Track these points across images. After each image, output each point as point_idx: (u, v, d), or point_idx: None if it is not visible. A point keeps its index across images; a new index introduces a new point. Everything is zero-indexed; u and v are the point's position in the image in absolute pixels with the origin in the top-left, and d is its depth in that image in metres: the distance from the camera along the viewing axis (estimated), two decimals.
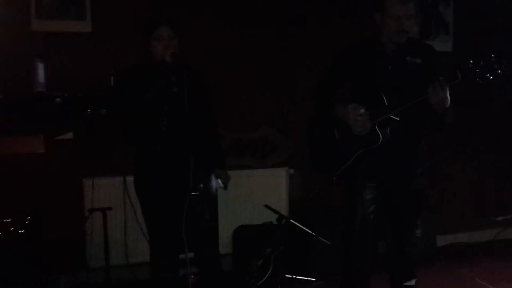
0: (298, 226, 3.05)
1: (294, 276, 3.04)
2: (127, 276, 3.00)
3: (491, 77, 1.99)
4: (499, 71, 1.99)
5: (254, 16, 3.39)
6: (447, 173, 3.89)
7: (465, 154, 3.92)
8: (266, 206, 3.12)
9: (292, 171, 3.48)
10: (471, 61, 2.01)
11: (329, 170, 2.45)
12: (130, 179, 2.52)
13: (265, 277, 2.91)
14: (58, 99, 2.83)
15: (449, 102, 2.10)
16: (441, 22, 3.86)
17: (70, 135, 2.97)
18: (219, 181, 2.57)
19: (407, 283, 2.50)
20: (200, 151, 2.41)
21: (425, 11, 3.80)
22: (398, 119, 2.24)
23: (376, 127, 2.27)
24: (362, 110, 2.26)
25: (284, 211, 3.30)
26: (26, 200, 2.78)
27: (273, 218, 3.10)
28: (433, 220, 3.72)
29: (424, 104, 2.13)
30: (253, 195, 3.32)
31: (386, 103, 2.24)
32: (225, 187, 2.62)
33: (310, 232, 3.03)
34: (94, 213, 2.74)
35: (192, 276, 2.53)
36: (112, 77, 2.92)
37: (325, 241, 3.05)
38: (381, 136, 2.26)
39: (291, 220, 3.05)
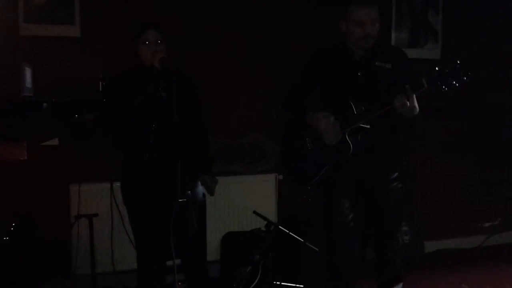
0: (287, 233, 3.04)
1: (282, 283, 3.03)
2: (114, 283, 2.96)
3: (456, 84, 1.98)
4: (465, 78, 1.97)
5: (245, 20, 3.39)
6: (434, 179, 3.92)
7: (453, 161, 3.94)
8: (255, 212, 3.11)
9: (281, 177, 3.48)
10: (436, 68, 2.00)
11: (303, 181, 2.45)
12: (117, 185, 2.50)
13: (253, 284, 2.89)
14: (45, 104, 2.82)
15: (417, 110, 2.09)
16: (430, 30, 3.89)
17: (55, 141, 2.94)
18: (203, 187, 2.56)
19: None
20: (188, 156, 2.40)
21: (414, 19, 3.83)
22: (368, 127, 2.22)
23: (346, 136, 2.25)
24: (332, 118, 2.25)
25: (273, 217, 3.29)
26: (12, 206, 2.75)
27: (261, 224, 3.09)
28: (421, 226, 3.76)
29: (393, 111, 2.11)
30: (242, 201, 3.31)
31: (355, 112, 2.22)
32: (211, 193, 2.60)
33: (299, 238, 3.02)
34: (81, 219, 2.72)
35: (179, 283, 2.52)
36: (100, 82, 2.91)
37: (314, 247, 3.05)
38: (351, 145, 2.25)
39: (280, 227, 3.04)
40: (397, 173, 2.40)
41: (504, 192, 4.08)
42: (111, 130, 2.47)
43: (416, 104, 2.07)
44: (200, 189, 2.57)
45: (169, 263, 2.30)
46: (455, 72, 1.97)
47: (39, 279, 2.84)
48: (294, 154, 2.49)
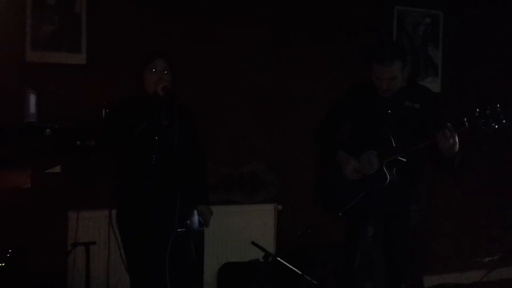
0: (285, 265, 3.02)
1: None
2: None
3: (496, 126, 2.08)
4: (504, 121, 2.07)
5: (247, 47, 3.44)
6: (433, 213, 3.89)
7: (452, 194, 3.94)
8: (253, 243, 3.09)
9: (280, 207, 3.47)
10: (477, 110, 2.10)
11: (335, 207, 2.53)
12: (115, 212, 2.49)
13: None
14: (48, 130, 2.83)
15: (458, 146, 2.18)
16: (430, 63, 3.95)
17: (57, 169, 2.95)
18: (199, 218, 2.55)
19: None
20: (187, 186, 2.41)
21: (415, 53, 3.89)
22: (404, 160, 2.32)
23: (384, 167, 2.35)
24: (365, 160, 2.38)
25: (271, 248, 3.27)
26: (9, 233, 2.73)
27: (260, 255, 3.07)
28: (420, 260, 3.72)
29: (430, 148, 2.22)
30: (240, 231, 3.29)
31: (394, 145, 2.32)
32: (206, 224, 2.59)
33: (297, 271, 2.99)
34: (78, 247, 2.70)
35: None
36: (104, 110, 2.93)
37: (312, 280, 3.02)
38: (388, 176, 2.34)
39: (278, 258, 3.02)
40: (417, 206, 2.48)
41: (504, 227, 4.06)
42: (112, 157, 2.47)
43: (457, 141, 2.16)
44: (197, 218, 2.56)
45: None
46: (496, 114, 2.07)
47: None
48: (329, 181, 2.59)
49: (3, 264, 2.43)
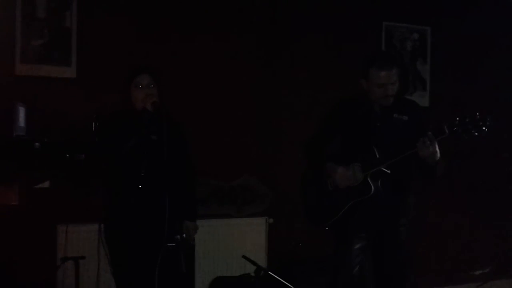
0: (277, 279, 2.99)
1: None
2: None
3: (476, 133, 2.12)
4: (484, 128, 2.11)
5: (237, 59, 3.46)
6: (423, 227, 3.91)
7: (441, 208, 3.95)
8: (244, 257, 3.06)
9: (271, 220, 3.46)
10: (457, 118, 2.14)
11: (322, 220, 2.54)
12: None
13: None
14: (37, 144, 2.80)
15: (438, 155, 2.21)
16: (418, 78, 4.01)
17: (46, 184, 2.92)
18: (184, 235, 2.53)
19: None
20: (176, 201, 2.39)
21: (403, 68, 3.93)
22: (389, 171, 2.34)
23: (368, 179, 2.37)
24: (350, 172, 2.39)
25: (262, 261, 3.25)
26: None
27: (251, 269, 3.04)
28: (411, 274, 3.71)
29: (414, 158, 2.25)
30: (231, 245, 3.27)
31: (378, 156, 2.35)
32: (189, 241, 2.56)
33: (289, 285, 2.97)
34: (67, 262, 2.66)
35: None
36: (93, 123, 2.92)
37: None
38: (373, 187, 2.36)
39: (270, 272, 2.99)
40: (405, 219, 2.49)
41: (494, 240, 4.08)
42: (102, 171, 2.46)
43: (437, 149, 2.20)
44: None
45: None
46: (476, 122, 2.11)
47: None
48: (314, 194, 2.60)
49: None
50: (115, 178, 2.40)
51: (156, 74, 2.42)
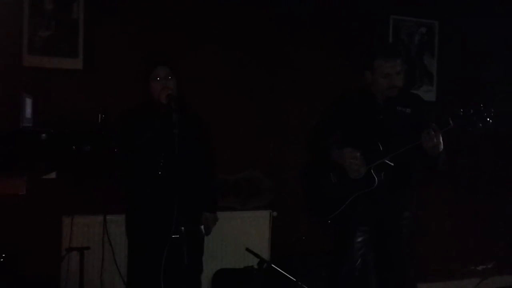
0: (279, 271, 3.02)
1: None
2: None
3: (480, 125, 2.12)
4: (488, 119, 2.11)
5: (241, 55, 3.45)
6: (426, 221, 3.91)
7: (445, 202, 3.95)
8: (248, 249, 3.09)
9: (275, 214, 3.48)
10: (461, 110, 2.14)
11: (325, 213, 2.54)
12: (110, 218, 2.50)
13: None
14: (43, 135, 2.83)
15: (442, 147, 2.21)
16: (425, 72, 3.98)
17: (53, 175, 2.94)
18: (202, 227, 2.56)
19: None
20: (193, 193, 2.40)
21: (410, 62, 3.92)
22: (392, 164, 2.34)
23: (372, 171, 2.38)
24: (358, 153, 2.38)
25: (265, 254, 3.27)
26: (2, 238, 2.72)
27: (254, 262, 3.07)
28: (414, 267, 3.73)
29: (417, 150, 2.24)
30: (235, 237, 3.29)
31: (381, 149, 2.34)
32: (207, 232, 2.60)
33: (292, 278, 2.99)
34: (71, 252, 2.70)
35: None
36: (100, 115, 2.94)
37: (306, 287, 3.02)
38: (376, 179, 2.36)
39: (272, 265, 3.02)
40: (408, 213, 2.49)
41: (498, 235, 4.08)
42: (109, 164, 2.48)
43: (441, 141, 2.19)
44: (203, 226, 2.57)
45: None
46: (480, 113, 2.11)
47: None
48: (317, 188, 2.59)
49: None
50: (133, 170, 2.43)
51: (174, 66, 2.44)
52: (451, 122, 2.15)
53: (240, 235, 3.31)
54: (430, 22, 3.96)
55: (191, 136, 2.39)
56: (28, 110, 2.91)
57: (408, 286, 2.63)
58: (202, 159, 2.52)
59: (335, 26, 3.67)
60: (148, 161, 2.37)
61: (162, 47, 3.19)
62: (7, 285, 2.51)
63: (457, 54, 3.99)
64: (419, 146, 2.21)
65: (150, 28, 3.24)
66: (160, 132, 2.33)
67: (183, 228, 2.44)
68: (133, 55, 3.10)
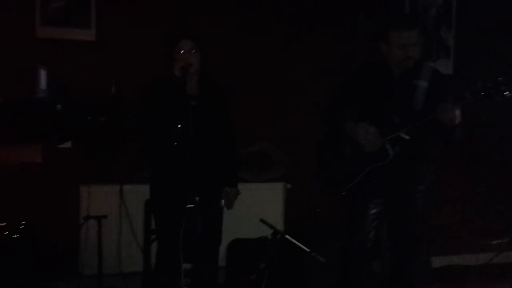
0: (293, 242, 3.03)
1: None
2: (119, 285, 2.97)
3: (498, 98, 2.08)
4: (507, 93, 2.07)
5: (258, 26, 3.42)
6: (442, 195, 3.89)
7: (462, 177, 3.92)
8: (262, 220, 3.09)
9: (289, 186, 3.48)
10: (479, 83, 2.10)
11: (338, 186, 2.53)
12: (126, 187, 2.53)
13: None
14: (59, 106, 2.85)
15: (458, 120, 2.17)
16: (442, 46, 3.91)
17: (68, 144, 2.97)
18: (222, 201, 2.56)
19: None
20: (213, 166, 2.41)
21: (427, 35, 3.84)
22: (407, 138, 2.31)
23: (386, 145, 2.35)
24: (372, 129, 2.35)
25: (279, 226, 3.29)
26: (22, 206, 2.77)
27: (268, 233, 3.07)
28: (428, 241, 3.72)
29: (433, 122, 2.21)
30: (249, 209, 3.29)
31: (396, 122, 2.32)
32: (229, 206, 2.61)
33: (305, 248, 3.01)
34: (89, 220, 2.73)
35: None
36: (113, 86, 2.94)
37: (320, 258, 3.03)
38: (390, 153, 2.34)
39: (286, 236, 3.03)
40: (423, 186, 2.47)
41: None
42: (138, 134, 2.48)
43: (458, 114, 2.15)
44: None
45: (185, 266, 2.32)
46: (498, 86, 2.06)
47: (46, 279, 2.85)
48: (331, 161, 2.59)
49: (17, 236, 2.47)
50: (151, 142, 2.44)
51: (198, 39, 2.40)
52: (468, 95, 2.12)
53: (254, 207, 3.32)
54: None
55: (210, 109, 2.37)
56: (43, 82, 2.92)
57: (421, 260, 2.64)
58: (221, 133, 2.50)
59: (351, 1, 3.60)
60: (165, 133, 2.37)
61: (177, 19, 3.16)
62: (27, 252, 2.55)
63: (474, 27, 3.90)
64: (435, 119, 2.18)
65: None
66: (181, 106, 2.31)
67: (197, 198, 2.46)
68: (146, 27, 3.09)
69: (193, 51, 2.36)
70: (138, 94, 2.46)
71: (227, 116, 2.55)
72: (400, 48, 2.31)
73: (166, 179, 2.41)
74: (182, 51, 2.35)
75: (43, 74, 2.93)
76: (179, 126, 2.31)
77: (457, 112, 2.15)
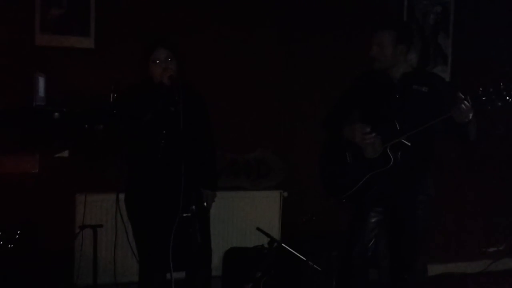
0: (290, 251, 3.04)
1: None
2: None
3: (499, 104, 2.08)
4: (508, 98, 2.07)
5: (255, 33, 3.42)
6: (439, 202, 3.88)
7: (458, 184, 3.92)
8: (258, 229, 3.10)
9: (285, 194, 3.48)
10: (480, 88, 2.10)
11: (339, 192, 2.54)
12: (123, 196, 2.52)
13: None
14: (56, 114, 2.84)
15: (471, 115, 2.14)
16: (439, 52, 3.91)
17: (66, 153, 2.97)
18: (204, 203, 2.57)
19: None
20: (195, 171, 2.42)
21: (424, 41, 3.85)
22: (409, 144, 2.32)
23: (388, 150, 2.35)
24: (368, 128, 2.37)
25: (276, 234, 3.30)
26: (17, 215, 2.77)
27: (265, 241, 3.09)
28: (425, 249, 3.72)
29: (445, 123, 2.21)
30: (245, 217, 3.32)
31: (398, 127, 2.32)
32: (208, 209, 2.61)
33: (302, 257, 3.01)
34: (85, 230, 2.74)
35: None
36: (112, 93, 2.94)
37: (316, 267, 3.04)
38: (392, 158, 2.34)
39: (283, 244, 3.03)
40: (424, 197, 2.47)
41: (510, 217, 4.05)
42: (120, 143, 2.50)
43: (471, 109, 2.12)
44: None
45: (169, 276, 2.31)
46: (499, 92, 2.06)
47: None
48: (333, 167, 2.59)
49: (11, 246, 2.47)
50: (135, 149, 2.44)
51: (173, 47, 2.41)
52: (469, 101, 2.11)
53: (251, 215, 3.33)
54: (445, 0, 3.87)
55: (192, 115, 2.39)
56: (41, 89, 2.92)
57: (418, 269, 2.64)
58: (202, 137, 2.52)
59: (348, 7, 3.61)
60: (150, 140, 2.37)
61: (174, 25, 3.17)
62: (23, 261, 2.56)
63: (472, 34, 3.91)
64: (449, 118, 2.17)
65: (163, 7, 3.21)
66: (161, 113, 2.33)
67: (194, 207, 2.47)
68: (145, 34, 3.09)
69: (169, 60, 2.37)
70: (117, 100, 2.47)
71: (205, 120, 2.56)
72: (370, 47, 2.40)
73: (152, 188, 2.40)
74: (158, 61, 2.35)
75: (41, 82, 2.92)
76: (164, 132, 2.33)
77: (470, 108, 2.12)
